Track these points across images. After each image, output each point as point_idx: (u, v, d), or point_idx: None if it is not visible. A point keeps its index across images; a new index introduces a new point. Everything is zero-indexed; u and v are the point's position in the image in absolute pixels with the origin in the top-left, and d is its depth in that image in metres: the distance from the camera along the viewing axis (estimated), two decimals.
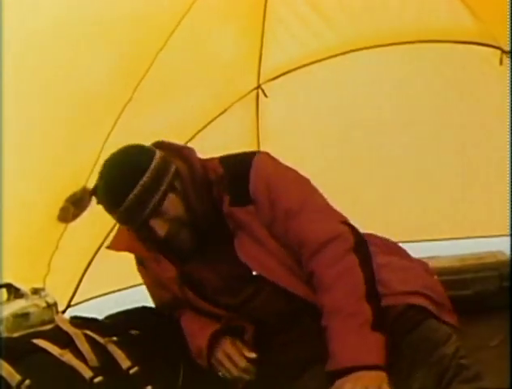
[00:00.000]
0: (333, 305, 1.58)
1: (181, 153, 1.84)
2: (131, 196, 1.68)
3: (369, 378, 1.47)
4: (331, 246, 1.64)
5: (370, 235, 1.87)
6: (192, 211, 1.74)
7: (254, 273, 1.82)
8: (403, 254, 1.89)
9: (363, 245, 1.67)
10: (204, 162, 1.84)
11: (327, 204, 1.80)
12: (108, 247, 1.99)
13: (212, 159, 1.86)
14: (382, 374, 1.49)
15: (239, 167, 1.79)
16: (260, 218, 1.73)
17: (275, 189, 1.73)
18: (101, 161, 2.42)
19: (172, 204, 1.73)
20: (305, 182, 1.82)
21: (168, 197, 1.72)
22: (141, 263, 1.96)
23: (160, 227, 1.71)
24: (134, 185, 1.68)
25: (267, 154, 1.86)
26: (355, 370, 1.47)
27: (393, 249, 1.87)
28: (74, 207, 2.31)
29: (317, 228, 1.68)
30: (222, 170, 1.79)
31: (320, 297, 1.63)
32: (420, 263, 1.87)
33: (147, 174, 1.70)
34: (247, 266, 1.77)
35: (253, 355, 1.79)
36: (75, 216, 2.44)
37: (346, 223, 1.73)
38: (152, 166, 1.72)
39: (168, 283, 1.87)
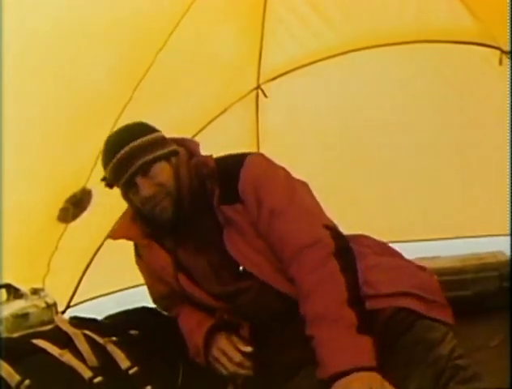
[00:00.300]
0: (315, 313, 1.56)
1: (183, 142, 1.91)
2: (126, 148, 1.76)
3: (369, 378, 1.46)
4: (311, 251, 1.63)
5: (363, 236, 1.88)
6: (180, 183, 1.79)
7: (241, 268, 1.82)
8: (397, 255, 1.88)
9: (345, 250, 1.66)
10: (201, 157, 1.89)
11: (314, 207, 1.80)
12: (108, 237, 2.05)
13: (208, 155, 1.90)
14: (378, 375, 1.47)
15: (231, 165, 1.82)
16: (248, 217, 1.75)
17: (262, 189, 1.75)
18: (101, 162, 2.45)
19: (162, 171, 1.79)
20: (294, 184, 1.81)
21: (161, 163, 1.79)
22: (139, 256, 1.98)
23: (145, 187, 1.75)
24: (131, 142, 1.78)
25: (261, 155, 1.89)
26: (350, 373, 1.46)
27: (386, 250, 1.87)
28: (73, 207, 2.34)
29: (298, 232, 1.69)
30: (213, 164, 1.84)
31: (301, 304, 1.62)
32: (414, 264, 1.86)
33: (145, 138, 1.80)
34: (236, 260, 1.79)
35: (248, 349, 1.79)
36: (75, 217, 2.46)
37: (329, 227, 1.72)
38: (152, 135, 1.83)
39: (162, 272, 1.89)
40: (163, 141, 1.84)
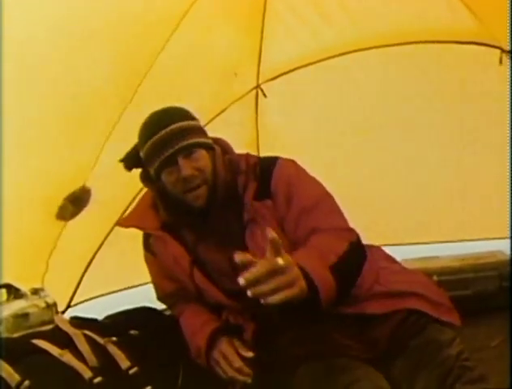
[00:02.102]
0: (312, 245, 1.64)
1: (217, 141, 1.93)
2: (177, 125, 1.79)
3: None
4: (335, 231, 1.72)
5: (376, 247, 1.97)
6: (216, 174, 1.81)
7: None
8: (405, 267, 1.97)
9: (361, 248, 1.73)
10: (235, 155, 1.93)
11: (340, 210, 1.86)
12: (118, 224, 2.07)
13: (245, 153, 1.95)
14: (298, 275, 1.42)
15: (263, 165, 1.87)
16: (275, 213, 1.80)
17: (293, 187, 1.81)
18: (101, 161, 2.45)
19: (203, 157, 1.81)
20: (323, 188, 1.88)
21: (202, 150, 1.81)
22: (148, 250, 1.97)
23: (186, 167, 1.76)
24: (182, 120, 1.81)
25: (292, 160, 1.93)
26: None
27: (394, 259, 1.95)
28: (72, 205, 2.33)
29: (327, 223, 1.75)
30: (255, 161, 1.88)
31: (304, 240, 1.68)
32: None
33: (192, 122, 1.84)
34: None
35: (249, 354, 1.80)
36: (74, 215, 2.46)
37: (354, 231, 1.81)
38: (197, 122, 1.87)
39: (174, 266, 1.88)
40: (204, 131, 1.88)
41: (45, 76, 2.06)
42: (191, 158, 1.78)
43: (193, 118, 1.86)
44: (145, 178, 1.89)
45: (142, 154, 1.83)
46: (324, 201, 1.82)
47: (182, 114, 1.84)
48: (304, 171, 1.90)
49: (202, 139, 1.83)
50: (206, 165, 1.80)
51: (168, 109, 1.87)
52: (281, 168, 1.84)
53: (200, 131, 1.85)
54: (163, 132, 1.77)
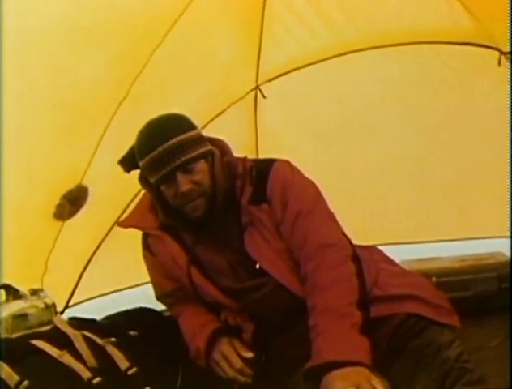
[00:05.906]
0: (326, 305, 1.62)
1: (216, 142, 1.92)
2: (175, 140, 1.75)
3: (357, 373, 1.48)
4: (332, 250, 1.72)
5: (374, 247, 2.00)
6: (215, 183, 1.81)
7: (258, 267, 1.85)
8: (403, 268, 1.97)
9: (358, 257, 1.74)
10: (233, 158, 1.92)
11: (333, 214, 1.87)
12: (118, 224, 2.08)
13: (242, 156, 1.95)
14: (367, 371, 1.49)
15: (260, 168, 1.88)
16: (272, 217, 1.81)
17: (289, 191, 1.81)
18: (97, 159, 2.45)
19: (202, 170, 1.80)
20: (317, 191, 1.89)
21: (201, 162, 1.80)
22: (147, 249, 1.98)
23: (184, 183, 1.76)
24: (180, 134, 1.77)
25: (288, 162, 1.92)
26: (344, 365, 1.48)
27: (393, 261, 1.96)
28: (70, 204, 2.33)
29: (322, 231, 1.77)
30: (251, 164, 1.89)
31: (313, 296, 1.67)
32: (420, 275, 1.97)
33: (192, 133, 1.81)
34: (253, 259, 1.82)
35: (249, 354, 1.81)
36: (71, 214, 2.46)
37: (345, 235, 1.82)
38: (195, 132, 1.83)
39: (172, 265, 1.89)
40: (203, 139, 1.85)
41: (42, 75, 2.07)
42: (190, 172, 1.77)
43: (191, 128, 1.82)
44: (144, 182, 1.88)
45: (140, 165, 1.82)
46: (318, 205, 1.84)
47: (180, 125, 1.81)
48: (299, 173, 1.90)
49: (200, 151, 1.80)
50: (205, 177, 1.80)
51: (166, 120, 1.83)
52: (276, 172, 1.84)
53: (198, 141, 1.82)
54: (160, 149, 1.74)
